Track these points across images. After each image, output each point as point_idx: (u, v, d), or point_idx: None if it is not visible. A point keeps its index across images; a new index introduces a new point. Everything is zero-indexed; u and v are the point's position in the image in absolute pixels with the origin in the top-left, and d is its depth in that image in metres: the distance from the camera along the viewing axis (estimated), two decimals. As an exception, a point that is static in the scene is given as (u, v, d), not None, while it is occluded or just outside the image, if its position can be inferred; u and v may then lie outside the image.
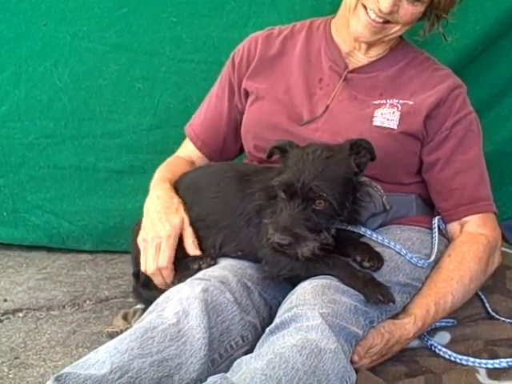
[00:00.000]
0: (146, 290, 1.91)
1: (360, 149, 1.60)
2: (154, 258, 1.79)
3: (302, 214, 1.55)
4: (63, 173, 2.69)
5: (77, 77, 2.55)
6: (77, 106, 2.59)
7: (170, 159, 2.16)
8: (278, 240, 1.52)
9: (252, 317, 1.62)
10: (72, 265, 2.71)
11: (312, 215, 1.55)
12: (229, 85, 2.09)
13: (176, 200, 1.87)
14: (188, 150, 2.18)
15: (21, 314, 2.26)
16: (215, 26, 2.49)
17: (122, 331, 1.89)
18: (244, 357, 1.43)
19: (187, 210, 1.85)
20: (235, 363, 1.43)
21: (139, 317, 1.90)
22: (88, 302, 2.38)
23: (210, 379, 1.35)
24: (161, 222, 1.82)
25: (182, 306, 1.51)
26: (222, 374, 1.38)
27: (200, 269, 1.72)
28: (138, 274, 1.93)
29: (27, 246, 2.80)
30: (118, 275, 2.61)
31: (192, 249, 1.79)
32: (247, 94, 2.05)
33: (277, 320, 1.49)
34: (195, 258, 1.79)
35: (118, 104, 2.58)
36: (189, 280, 1.65)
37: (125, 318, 2.06)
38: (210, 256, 1.78)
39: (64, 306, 2.34)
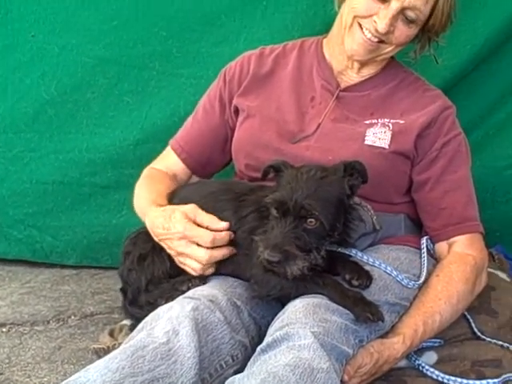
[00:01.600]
0: (134, 307, 1.92)
1: (353, 171, 1.64)
2: (198, 249, 1.76)
3: (292, 232, 1.57)
4: (46, 187, 2.68)
5: (64, 89, 2.56)
6: (63, 119, 2.60)
7: (148, 173, 2.16)
8: (268, 257, 1.54)
9: (242, 336, 1.64)
10: (56, 279, 2.72)
11: (303, 234, 1.57)
12: (219, 100, 2.13)
13: (167, 207, 1.88)
14: (169, 163, 2.19)
15: (4, 329, 2.27)
16: (206, 40, 2.51)
17: (108, 348, 1.95)
18: (236, 376, 1.45)
19: None
20: (227, 382, 1.45)
21: (126, 333, 1.98)
22: (73, 317, 2.39)
23: None
24: (169, 229, 1.80)
25: (172, 325, 1.52)
26: None
27: (189, 290, 1.74)
28: (125, 291, 1.94)
29: (10, 260, 2.80)
30: (103, 290, 2.63)
31: (215, 221, 1.77)
32: (237, 111, 2.09)
33: (268, 338, 1.50)
34: (184, 279, 1.81)
35: (105, 118, 2.60)
36: (178, 299, 1.66)
37: (111, 334, 2.07)
38: (198, 277, 1.79)
39: (48, 322, 2.35)
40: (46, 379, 1.95)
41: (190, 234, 1.75)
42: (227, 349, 1.59)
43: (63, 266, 2.79)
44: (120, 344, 1.84)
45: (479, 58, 2.50)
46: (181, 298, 1.66)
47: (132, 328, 1.91)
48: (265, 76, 2.09)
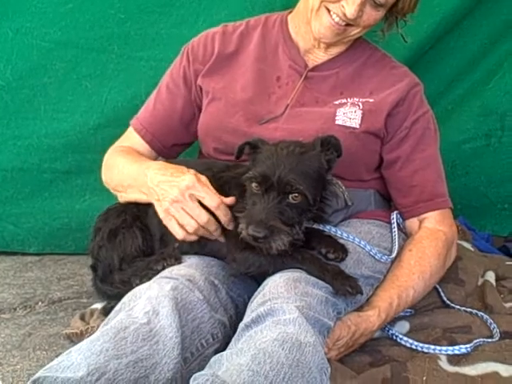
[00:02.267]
0: (105, 285, 1.92)
1: (330, 145, 1.68)
2: (199, 209, 1.77)
3: (276, 207, 1.60)
4: (5, 174, 2.68)
5: (20, 74, 2.55)
6: (20, 104, 2.60)
7: (118, 149, 2.14)
8: (253, 233, 1.57)
9: (220, 315, 1.67)
10: (18, 266, 2.71)
11: (286, 209, 1.61)
12: (184, 79, 2.10)
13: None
14: (133, 143, 2.15)
15: (-30, 318, 2.24)
16: (164, 22, 2.53)
17: (81, 332, 1.96)
18: (223, 353, 1.45)
19: None
20: (212, 359, 1.46)
21: (97, 316, 1.99)
22: (40, 303, 2.38)
23: (199, 376, 1.38)
24: (176, 175, 1.81)
25: (152, 305, 1.54)
26: (210, 371, 1.41)
27: (163, 269, 1.75)
28: (95, 268, 1.95)
29: (-31, 249, 2.75)
30: (69, 276, 2.62)
31: (217, 207, 1.77)
32: (201, 91, 2.08)
33: (252, 314, 1.52)
34: (158, 258, 1.82)
35: (63, 102, 2.60)
36: (156, 278, 1.68)
37: (82, 318, 2.08)
38: (173, 256, 1.80)
39: (15, 309, 2.33)
40: (18, 366, 1.93)
41: (198, 189, 1.76)
42: (207, 328, 1.62)
43: (25, 253, 2.78)
44: (93, 328, 1.91)
45: (436, 36, 2.59)
46: (158, 277, 1.68)
47: (103, 311, 1.97)
48: (229, 55, 2.08)
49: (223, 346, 1.60)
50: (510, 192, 2.80)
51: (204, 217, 1.75)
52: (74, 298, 2.42)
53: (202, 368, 1.52)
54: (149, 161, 1.98)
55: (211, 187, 1.78)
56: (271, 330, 1.44)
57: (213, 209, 1.75)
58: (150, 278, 1.70)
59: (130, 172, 1.96)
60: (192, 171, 1.81)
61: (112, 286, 1.89)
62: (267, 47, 2.07)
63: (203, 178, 1.80)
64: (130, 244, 1.89)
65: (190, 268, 1.72)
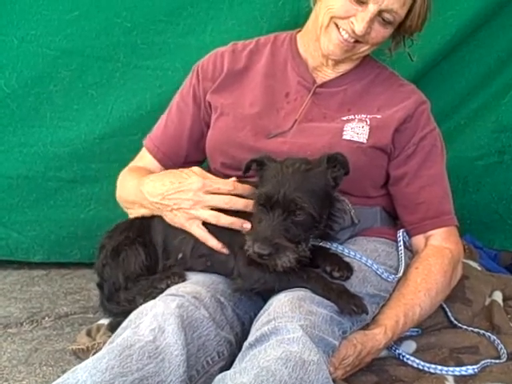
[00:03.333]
0: (111, 303, 1.96)
1: (336, 162, 1.73)
2: (218, 196, 1.85)
3: (281, 224, 1.64)
4: (10, 182, 2.68)
5: (25, 82, 2.56)
6: (26, 112, 2.61)
7: (130, 168, 2.21)
8: (258, 250, 1.62)
9: (226, 332, 1.71)
10: (25, 280, 2.73)
11: (291, 226, 1.65)
12: (193, 97, 2.16)
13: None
14: (146, 163, 2.22)
15: (-24, 333, 2.27)
16: (172, 31, 2.54)
17: (87, 348, 1.97)
18: (227, 372, 1.49)
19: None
20: (216, 379, 1.50)
21: (104, 333, 2.02)
22: (47, 318, 2.40)
23: None
24: (181, 182, 1.89)
25: (158, 323, 1.57)
26: None
27: (168, 287, 1.79)
28: (102, 286, 1.99)
29: (-26, 260, 2.80)
30: (75, 290, 2.65)
31: (236, 188, 1.87)
32: (210, 107, 2.14)
33: (256, 333, 1.56)
34: (162, 277, 1.86)
35: (69, 111, 2.61)
36: (162, 296, 1.72)
37: (89, 334, 2.10)
38: (177, 274, 1.84)
39: (22, 324, 2.35)
40: (24, 382, 1.94)
41: (209, 185, 1.86)
42: (213, 345, 1.65)
43: (31, 267, 2.81)
44: (99, 344, 1.94)
45: (449, 47, 2.60)
46: (164, 294, 1.72)
47: (110, 327, 2.00)
48: (239, 72, 2.14)
49: (229, 364, 1.63)
50: None
51: (226, 199, 1.85)
52: (80, 312, 2.45)
53: None
54: (144, 177, 2.03)
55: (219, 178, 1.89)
56: (275, 348, 1.48)
57: (232, 192, 1.85)
58: (154, 297, 1.73)
59: (130, 189, 2.05)
60: (194, 169, 1.92)
61: (118, 305, 1.92)
62: (276, 64, 2.14)
63: (200, 170, 1.91)
64: (134, 262, 1.93)
65: (195, 285, 1.76)
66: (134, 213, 2.04)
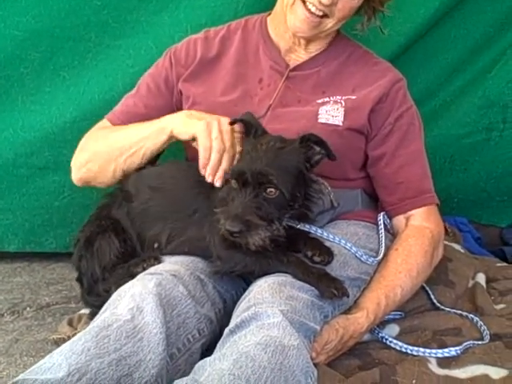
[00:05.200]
0: (92, 296, 2.01)
1: (309, 142, 1.77)
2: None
3: (252, 201, 1.69)
4: (-21, 170, 2.75)
5: (-6, 65, 2.60)
6: (-5, 96, 2.65)
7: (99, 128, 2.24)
8: (229, 227, 1.67)
9: (207, 309, 1.77)
10: (7, 271, 2.79)
11: (263, 203, 1.71)
12: (165, 81, 2.23)
13: None
14: None
15: (-43, 324, 2.36)
16: (144, 9, 2.54)
17: (69, 337, 2.01)
18: (207, 358, 1.54)
19: (132, 199, 2.00)
20: (197, 366, 1.54)
21: (85, 322, 2.09)
22: (28, 309, 2.46)
23: (179, 382, 1.47)
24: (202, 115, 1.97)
25: (136, 302, 1.63)
26: (192, 376, 1.49)
27: (144, 271, 1.83)
28: (81, 280, 2.04)
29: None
30: (58, 280, 2.70)
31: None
32: (181, 95, 2.20)
33: (236, 319, 1.61)
34: (138, 261, 1.91)
35: (41, 94, 2.62)
36: (140, 275, 1.78)
37: (70, 323, 2.16)
38: (153, 257, 1.90)
39: (3, 315, 2.41)
40: (5, 373, 2.02)
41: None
42: (193, 323, 1.71)
43: (13, 258, 2.85)
44: None
45: (433, 22, 2.63)
46: (142, 274, 1.79)
47: (91, 316, 2.04)
48: (211, 60, 2.20)
49: (209, 342, 1.72)
50: (511, 186, 2.84)
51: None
52: (62, 303, 2.51)
53: (188, 364, 1.64)
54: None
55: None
56: (254, 334, 1.53)
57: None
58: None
59: (138, 129, 2.06)
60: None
61: (98, 297, 1.95)
62: (248, 49, 2.20)
63: None
64: (108, 250, 1.97)
65: (174, 264, 1.83)
66: (123, 160, 2.04)
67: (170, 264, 1.83)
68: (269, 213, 1.70)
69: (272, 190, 1.70)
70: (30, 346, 2.16)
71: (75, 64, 2.57)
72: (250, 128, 1.84)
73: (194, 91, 2.16)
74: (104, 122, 2.24)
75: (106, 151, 2.10)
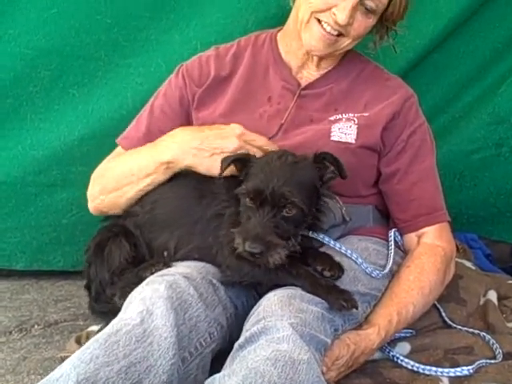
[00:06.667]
0: (100, 303, 2.02)
1: (324, 160, 1.79)
2: (261, 138, 1.97)
3: (272, 221, 1.70)
4: (-12, 188, 2.75)
5: (4, 83, 2.60)
6: (5, 114, 2.65)
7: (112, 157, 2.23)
8: (250, 249, 1.67)
9: (218, 313, 1.77)
10: (15, 288, 2.81)
11: (282, 222, 1.71)
12: (180, 100, 2.22)
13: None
14: None
15: (-35, 342, 2.35)
16: (154, 27, 2.58)
17: None
18: (216, 375, 1.53)
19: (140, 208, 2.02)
20: (206, 382, 1.53)
21: None
22: (36, 326, 2.47)
23: None
24: (222, 128, 1.98)
25: (146, 306, 1.63)
26: None
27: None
28: (89, 287, 2.05)
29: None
30: (66, 298, 2.72)
31: (268, 143, 1.97)
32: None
33: (246, 334, 1.61)
34: (146, 266, 1.92)
35: (50, 112, 2.65)
36: (150, 278, 1.78)
37: (78, 341, 2.17)
38: (162, 262, 1.90)
39: (11, 332, 2.42)
40: None
41: (248, 133, 1.94)
42: (204, 326, 1.71)
43: (21, 275, 2.87)
44: None
45: (442, 38, 2.67)
46: (153, 276, 1.79)
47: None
48: (225, 78, 2.21)
49: (219, 347, 1.72)
50: None
51: (265, 139, 1.97)
52: (70, 320, 2.52)
53: (200, 368, 1.66)
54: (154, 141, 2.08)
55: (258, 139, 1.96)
56: (264, 348, 1.52)
57: (265, 146, 1.94)
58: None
59: (140, 156, 2.05)
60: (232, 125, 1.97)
61: (107, 304, 1.96)
62: (257, 67, 2.21)
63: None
64: (118, 254, 1.98)
65: (187, 268, 1.84)
66: (130, 189, 2.04)
67: (182, 267, 1.84)
68: (287, 230, 1.71)
69: (291, 208, 1.70)
70: (37, 364, 2.17)
71: (85, 82, 2.60)
72: (240, 162, 1.83)
73: (204, 112, 2.16)
74: (119, 150, 2.23)
75: (114, 187, 2.09)
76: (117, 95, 2.61)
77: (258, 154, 1.91)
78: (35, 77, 2.59)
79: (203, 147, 1.94)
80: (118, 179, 2.08)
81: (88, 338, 2.13)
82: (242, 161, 1.83)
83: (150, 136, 2.17)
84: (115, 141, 2.27)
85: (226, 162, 1.83)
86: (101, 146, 2.48)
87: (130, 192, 2.06)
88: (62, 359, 2.06)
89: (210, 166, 1.93)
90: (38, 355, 2.24)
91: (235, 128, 1.95)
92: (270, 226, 1.68)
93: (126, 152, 2.17)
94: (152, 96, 2.28)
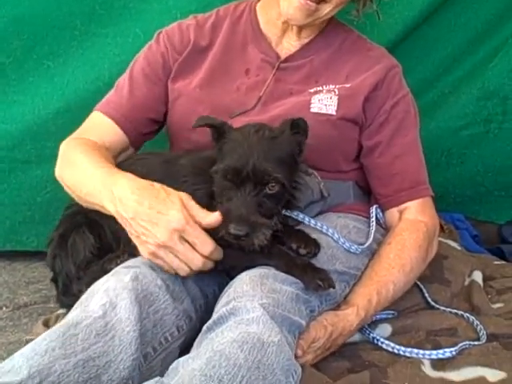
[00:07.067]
0: (67, 297, 1.97)
1: (299, 128, 1.71)
2: (192, 252, 1.64)
3: (255, 200, 1.62)
4: (-42, 165, 2.68)
5: (-27, 54, 2.54)
6: (-23, 86, 2.59)
7: (81, 141, 2.05)
8: (235, 231, 1.58)
9: (186, 305, 1.70)
10: (-14, 271, 2.77)
11: (264, 200, 1.64)
12: (163, 66, 2.13)
13: (157, 184, 1.73)
14: (103, 132, 2.09)
15: None
16: (133, -5, 2.52)
17: None
18: (180, 358, 1.48)
19: None
20: (171, 367, 1.47)
21: None
22: (4, 308, 2.41)
23: None
24: (158, 211, 1.64)
25: (109, 298, 1.56)
26: (158, 378, 1.43)
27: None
28: (56, 280, 2.00)
29: None
30: (38, 279, 2.66)
31: (212, 217, 1.63)
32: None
33: (214, 316, 1.55)
34: (111, 257, 1.86)
35: (24, 84, 2.58)
36: (116, 269, 1.70)
37: (46, 324, 2.11)
38: (127, 252, 1.83)
39: (-23, 315, 2.38)
40: None
41: (188, 233, 1.63)
42: (172, 319, 1.64)
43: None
44: None
45: (433, 9, 2.59)
46: (118, 267, 1.71)
47: None
48: (204, 49, 2.14)
49: (188, 339, 1.65)
50: (510, 180, 2.82)
51: (198, 262, 1.65)
52: (41, 302, 2.47)
53: (164, 364, 1.56)
54: (115, 170, 1.84)
55: (195, 209, 1.65)
56: (232, 330, 1.47)
57: (206, 254, 1.65)
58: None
59: (94, 179, 1.82)
60: (176, 197, 1.66)
61: (73, 297, 1.88)
62: (235, 38, 2.15)
63: (186, 199, 1.66)
64: (83, 247, 1.92)
65: None
66: (82, 202, 1.91)
67: None
68: (270, 208, 1.64)
69: (274, 184, 1.62)
70: (1, 347, 2.12)
71: (60, 53, 2.53)
72: (216, 131, 1.73)
73: (181, 83, 2.10)
74: (96, 119, 2.13)
75: (71, 182, 1.95)
76: (93, 66, 2.53)
77: (182, 267, 1.65)
78: (7, 47, 2.51)
79: (132, 225, 1.68)
80: (75, 184, 1.93)
81: (57, 321, 2.07)
82: (217, 128, 1.72)
83: (134, 100, 2.10)
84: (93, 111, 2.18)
85: (200, 122, 1.73)
86: (77, 119, 2.39)
87: (84, 200, 1.89)
88: (27, 342, 2.01)
89: (137, 243, 1.70)
90: (3, 338, 2.19)
91: (171, 221, 1.62)
92: (253, 205, 1.60)
93: (92, 155, 1.93)
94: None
